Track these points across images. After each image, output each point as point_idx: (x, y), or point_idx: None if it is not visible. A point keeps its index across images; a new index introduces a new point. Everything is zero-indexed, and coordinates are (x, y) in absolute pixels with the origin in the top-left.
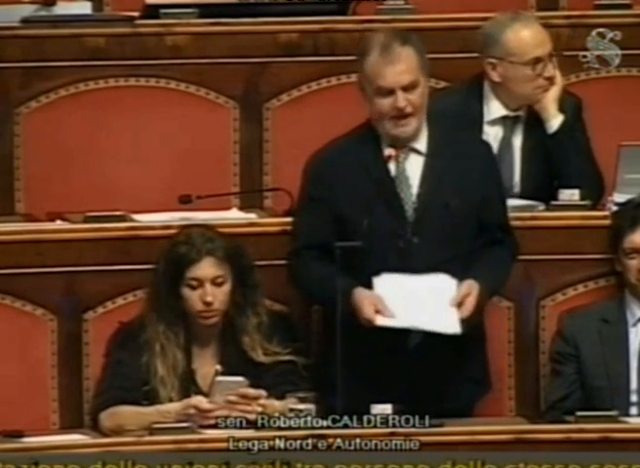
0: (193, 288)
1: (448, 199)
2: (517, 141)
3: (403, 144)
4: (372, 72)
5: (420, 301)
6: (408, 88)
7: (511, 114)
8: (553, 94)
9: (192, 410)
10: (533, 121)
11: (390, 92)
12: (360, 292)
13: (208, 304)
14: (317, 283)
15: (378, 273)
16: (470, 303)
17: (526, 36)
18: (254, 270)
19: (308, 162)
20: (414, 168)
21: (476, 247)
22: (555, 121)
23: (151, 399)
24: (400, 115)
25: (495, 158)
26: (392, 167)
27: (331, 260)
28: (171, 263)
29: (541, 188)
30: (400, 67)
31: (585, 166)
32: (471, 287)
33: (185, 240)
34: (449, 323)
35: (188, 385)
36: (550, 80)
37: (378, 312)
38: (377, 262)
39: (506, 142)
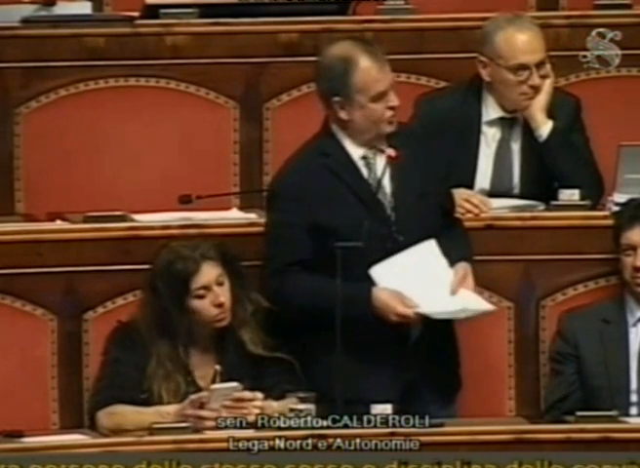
0: (202, 297)
1: (419, 192)
2: (516, 143)
3: (379, 145)
4: (368, 80)
5: (431, 286)
6: (393, 86)
7: (508, 116)
8: (540, 101)
9: (190, 411)
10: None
11: (384, 94)
12: (380, 291)
13: (221, 306)
14: (318, 293)
15: (368, 277)
16: (470, 282)
17: (516, 41)
18: (240, 261)
19: (274, 182)
20: (382, 168)
21: (441, 230)
22: (544, 128)
23: (150, 403)
24: (392, 114)
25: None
26: (364, 170)
27: (314, 272)
28: (173, 285)
29: (541, 189)
30: (388, 68)
31: (582, 169)
32: (465, 268)
33: (176, 257)
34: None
35: (187, 387)
36: (535, 89)
37: (406, 306)
38: (367, 266)
39: (505, 144)
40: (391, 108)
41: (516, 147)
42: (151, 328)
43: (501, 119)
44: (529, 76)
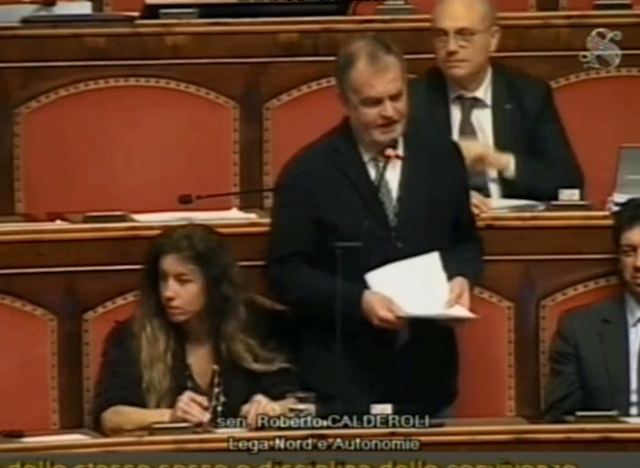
0: (164, 280)
1: (426, 200)
2: (483, 124)
3: (385, 149)
4: (360, 82)
5: (421, 293)
6: (395, 97)
7: (466, 94)
8: (480, 146)
9: (181, 410)
10: (499, 104)
11: (378, 101)
12: (370, 295)
13: (168, 299)
14: (312, 287)
15: (365, 280)
16: (466, 300)
17: (443, 7)
18: (232, 275)
19: (283, 170)
20: (391, 171)
21: (450, 244)
22: (509, 165)
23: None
24: (387, 123)
25: (462, 156)
26: (372, 171)
27: (313, 266)
28: (148, 255)
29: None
30: (388, 77)
31: (559, 175)
32: (462, 285)
33: (165, 234)
34: (459, 309)
35: (184, 381)
36: (451, 55)
37: (390, 311)
38: (364, 269)
39: (466, 123)
40: (384, 118)
41: (487, 129)
42: (138, 304)
43: (459, 98)
44: (446, 41)
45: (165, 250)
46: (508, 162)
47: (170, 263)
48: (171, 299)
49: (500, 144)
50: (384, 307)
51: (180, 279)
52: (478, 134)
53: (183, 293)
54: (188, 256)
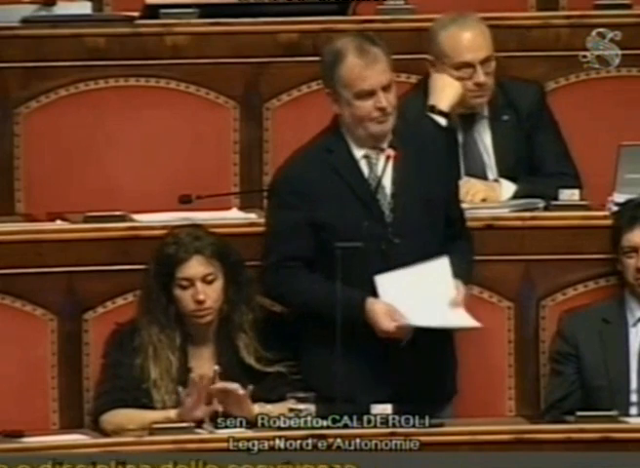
0: (184, 288)
1: (421, 196)
2: (483, 138)
3: (377, 145)
4: (351, 76)
5: (427, 300)
6: (387, 87)
7: (466, 112)
8: (491, 196)
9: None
10: (496, 116)
11: (370, 93)
12: (374, 304)
13: (200, 303)
14: (312, 294)
15: (362, 276)
16: (459, 302)
17: (459, 39)
18: (244, 266)
19: (276, 175)
20: (385, 168)
21: (444, 239)
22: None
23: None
24: (381, 115)
25: (455, 152)
26: (365, 169)
27: (311, 269)
28: (160, 265)
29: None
30: (379, 68)
31: (559, 183)
32: (458, 289)
33: (173, 240)
34: (463, 317)
35: (186, 385)
36: (480, 86)
37: (394, 321)
38: (361, 265)
39: (470, 138)
40: (379, 109)
41: (487, 143)
42: (142, 311)
43: (460, 116)
44: (472, 73)
45: (182, 257)
46: (510, 193)
47: (193, 267)
48: (202, 302)
49: (501, 160)
50: (388, 318)
51: (206, 280)
52: (480, 150)
53: (211, 293)
54: (211, 255)
